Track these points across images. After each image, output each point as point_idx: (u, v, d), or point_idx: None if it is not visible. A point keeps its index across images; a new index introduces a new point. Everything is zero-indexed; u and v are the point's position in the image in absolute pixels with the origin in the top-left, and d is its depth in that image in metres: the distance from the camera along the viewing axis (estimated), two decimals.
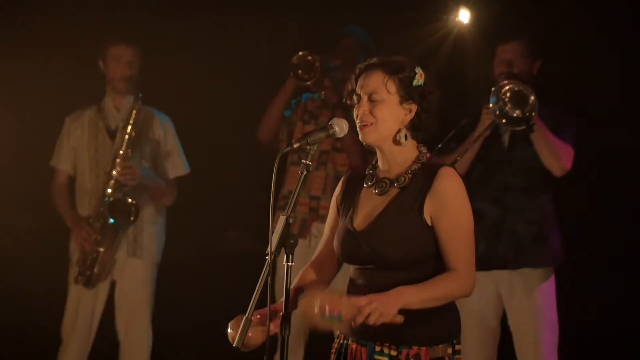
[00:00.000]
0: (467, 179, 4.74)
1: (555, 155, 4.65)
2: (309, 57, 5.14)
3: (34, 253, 5.67)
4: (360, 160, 4.98)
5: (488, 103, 4.63)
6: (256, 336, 3.04)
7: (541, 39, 4.88)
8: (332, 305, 2.91)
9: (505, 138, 4.81)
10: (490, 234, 4.76)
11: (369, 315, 2.95)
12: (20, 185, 5.62)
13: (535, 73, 4.82)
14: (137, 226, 5.27)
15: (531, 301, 4.77)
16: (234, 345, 3.01)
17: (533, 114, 4.51)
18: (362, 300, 2.97)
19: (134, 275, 5.29)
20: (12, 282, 5.69)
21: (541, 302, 4.77)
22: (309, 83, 5.17)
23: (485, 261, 4.75)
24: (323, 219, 5.16)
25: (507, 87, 4.55)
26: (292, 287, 3.15)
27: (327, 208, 5.09)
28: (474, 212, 4.64)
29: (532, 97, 4.51)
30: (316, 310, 2.90)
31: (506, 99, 4.55)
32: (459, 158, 4.65)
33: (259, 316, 3.05)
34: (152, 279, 5.35)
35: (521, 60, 4.80)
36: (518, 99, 4.55)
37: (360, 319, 2.97)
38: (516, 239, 4.74)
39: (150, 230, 5.32)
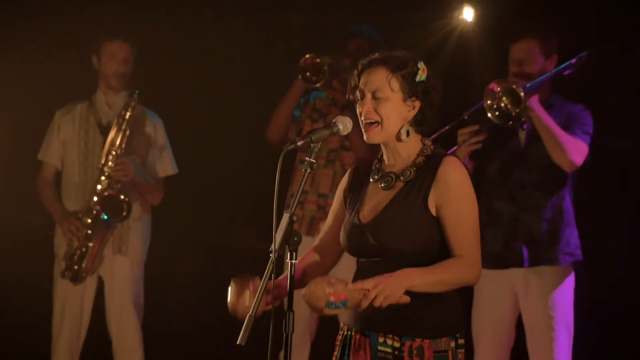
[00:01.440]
0: (484, 176, 4.78)
1: (563, 150, 4.63)
2: (317, 60, 5.13)
3: (40, 250, 5.66)
4: (366, 153, 4.97)
5: (463, 126, 4.70)
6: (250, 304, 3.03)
7: (554, 35, 4.85)
8: (337, 294, 2.93)
9: (522, 136, 4.81)
10: (506, 232, 4.76)
11: (375, 297, 2.97)
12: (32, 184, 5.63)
13: (551, 69, 4.79)
14: (123, 223, 5.26)
15: (545, 299, 4.74)
16: (238, 342, 2.99)
17: (524, 111, 4.53)
18: (367, 283, 2.99)
19: (121, 273, 5.28)
20: (17, 279, 5.70)
21: (555, 301, 4.74)
22: (317, 85, 5.16)
23: (501, 260, 4.77)
24: None
25: (498, 88, 4.57)
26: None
27: None
28: (491, 210, 4.71)
29: (522, 93, 4.53)
30: (321, 300, 2.92)
31: (501, 95, 4.57)
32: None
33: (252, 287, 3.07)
34: (139, 276, 5.34)
35: (532, 58, 4.76)
36: (511, 97, 4.57)
37: (366, 303, 2.98)
38: (531, 237, 4.74)
39: (136, 228, 5.31)
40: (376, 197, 3.21)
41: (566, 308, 4.77)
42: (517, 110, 4.56)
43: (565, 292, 4.77)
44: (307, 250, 3.38)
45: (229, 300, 3.12)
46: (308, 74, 5.15)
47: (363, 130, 3.19)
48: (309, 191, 5.13)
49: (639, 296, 5.32)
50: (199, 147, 5.66)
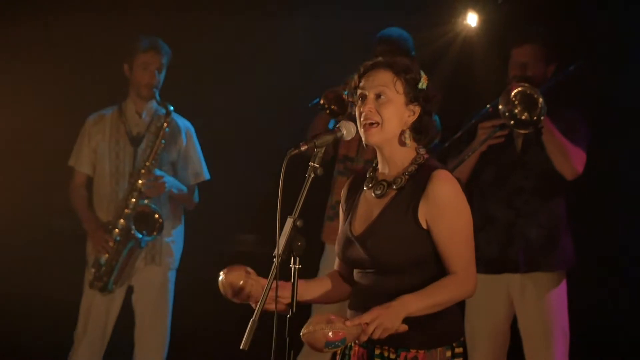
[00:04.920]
0: (479, 181, 4.77)
1: (567, 159, 4.65)
2: (337, 94, 5.09)
3: (65, 255, 5.68)
4: None
5: (486, 119, 4.68)
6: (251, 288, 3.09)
7: (556, 43, 4.86)
8: (335, 332, 2.94)
9: (519, 141, 4.81)
10: (502, 237, 4.77)
11: (374, 331, 2.98)
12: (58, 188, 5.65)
13: (549, 77, 4.81)
14: None
15: (542, 305, 4.76)
16: (241, 347, 2.99)
17: (542, 117, 4.52)
18: (365, 317, 3.00)
19: (151, 281, 5.28)
20: (37, 283, 5.72)
21: (552, 306, 4.76)
22: (341, 117, 5.12)
23: (496, 264, 4.77)
24: None
25: (516, 90, 4.56)
26: (309, 281, 3.24)
27: None
28: (487, 214, 4.72)
29: (541, 100, 4.52)
30: (320, 341, 2.93)
31: (516, 102, 4.56)
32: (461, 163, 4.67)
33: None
34: (170, 284, 5.32)
35: (535, 63, 4.79)
36: (527, 102, 4.56)
37: (364, 338, 3.00)
38: (528, 243, 4.74)
39: (168, 237, 5.32)
40: (368, 206, 3.20)
41: (562, 313, 4.79)
42: (535, 117, 4.54)
43: (561, 297, 4.80)
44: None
45: (220, 281, 3.16)
46: (333, 107, 5.12)
47: (362, 130, 3.17)
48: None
49: (632, 301, 5.34)
50: (208, 153, 5.66)
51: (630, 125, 5.30)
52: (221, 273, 3.17)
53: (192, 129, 5.39)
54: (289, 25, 5.91)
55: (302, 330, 2.96)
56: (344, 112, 5.09)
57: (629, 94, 5.27)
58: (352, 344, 3.20)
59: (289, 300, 3.05)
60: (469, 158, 4.72)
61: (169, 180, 5.20)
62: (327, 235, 5.23)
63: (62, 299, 5.49)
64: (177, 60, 5.42)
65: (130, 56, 5.27)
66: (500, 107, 4.58)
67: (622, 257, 5.41)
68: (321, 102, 5.11)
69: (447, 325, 3.14)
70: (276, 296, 3.02)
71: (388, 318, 2.99)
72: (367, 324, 2.98)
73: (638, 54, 5.27)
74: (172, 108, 5.22)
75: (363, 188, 3.25)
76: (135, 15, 5.79)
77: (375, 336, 2.99)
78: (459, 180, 3.16)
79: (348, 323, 2.97)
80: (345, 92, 5.04)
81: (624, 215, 5.41)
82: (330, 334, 2.93)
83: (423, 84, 3.16)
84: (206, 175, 5.40)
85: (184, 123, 5.38)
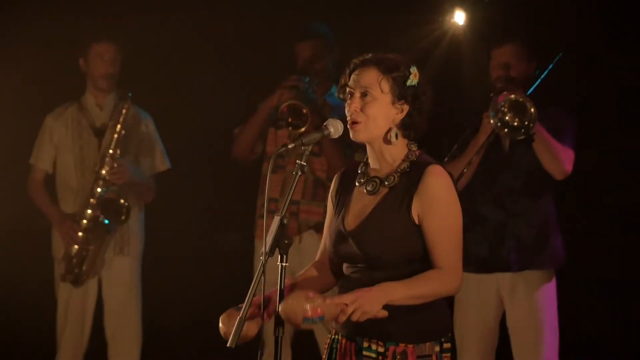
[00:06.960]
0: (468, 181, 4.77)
1: (556, 159, 4.65)
2: (293, 105, 5.03)
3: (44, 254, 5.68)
4: (340, 162, 4.90)
5: (488, 109, 4.65)
6: (247, 329, 3.03)
7: (537, 40, 4.88)
8: (314, 309, 2.93)
9: (506, 141, 4.81)
10: (493, 237, 4.77)
11: (352, 312, 2.97)
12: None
13: (532, 75, 4.82)
14: (124, 225, 5.26)
15: (532, 303, 4.77)
16: (228, 344, 3.01)
17: (533, 122, 4.52)
18: (345, 298, 3.00)
19: (121, 273, 5.29)
20: (22, 280, 5.71)
21: (542, 304, 4.77)
22: (303, 129, 5.04)
23: (487, 264, 4.78)
24: (303, 224, 5.12)
25: (504, 98, 4.55)
26: (290, 283, 3.19)
27: (307, 212, 5.14)
28: (476, 214, 4.74)
29: (532, 107, 4.52)
30: (298, 316, 2.92)
31: (505, 109, 4.56)
32: (465, 170, 4.66)
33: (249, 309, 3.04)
34: (138, 275, 5.36)
35: (517, 62, 4.79)
36: (517, 108, 4.56)
37: (343, 318, 2.99)
38: (518, 242, 4.75)
39: (134, 228, 5.34)
40: (361, 203, 3.21)
41: (552, 311, 4.81)
42: (526, 122, 4.54)
43: (551, 295, 4.82)
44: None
45: (220, 328, 3.11)
46: (290, 119, 5.08)
47: (349, 128, 3.18)
48: (279, 199, 5.02)
49: (624, 299, 5.35)
50: (185, 148, 5.66)
51: (620, 123, 5.31)
52: (220, 322, 3.12)
53: (151, 121, 5.42)
54: (267, 21, 5.91)
55: (281, 305, 2.96)
56: (303, 125, 5.01)
57: (618, 91, 5.29)
58: (339, 337, 3.20)
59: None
60: (467, 170, 4.71)
61: (132, 168, 5.21)
62: (259, 233, 5.11)
63: (43, 295, 5.49)
64: (145, 54, 5.44)
65: (85, 48, 5.28)
66: (491, 117, 4.58)
67: (612, 256, 5.42)
68: (278, 116, 5.02)
69: (436, 320, 3.15)
70: (263, 319, 3.03)
71: (368, 301, 2.98)
72: (346, 305, 2.98)
73: (627, 51, 5.28)
74: (130, 94, 5.21)
75: (355, 184, 3.25)
76: (92, 11, 5.77)
77: (354, 318, 2.98)
78: (451, 176, 3.17)
79: (328, 301, 2.97)
80: (308, 85, 5.04)
81: (615, 214, 5.42)
82: (309, 310, 2.92)
83: (412, 80, 3.15)
84: (166, 164, 5.41)
85: (144, 115, 5.40)
